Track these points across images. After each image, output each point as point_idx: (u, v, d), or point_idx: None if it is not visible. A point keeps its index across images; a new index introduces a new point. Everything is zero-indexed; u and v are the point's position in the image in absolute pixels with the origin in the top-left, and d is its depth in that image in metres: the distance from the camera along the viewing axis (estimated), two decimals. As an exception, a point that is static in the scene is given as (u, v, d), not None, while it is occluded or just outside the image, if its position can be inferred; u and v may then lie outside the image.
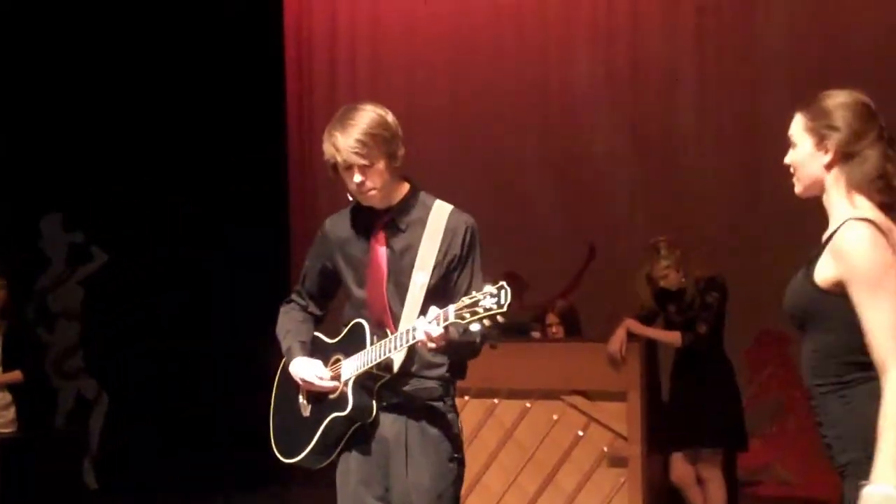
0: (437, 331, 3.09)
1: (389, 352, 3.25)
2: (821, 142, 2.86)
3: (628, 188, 8.30)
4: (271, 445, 3.55)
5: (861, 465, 2.68)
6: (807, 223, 8.75)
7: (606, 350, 5.48)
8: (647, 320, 5.67)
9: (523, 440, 5.61)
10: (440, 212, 3.38)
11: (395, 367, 3.31)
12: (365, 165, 3.27)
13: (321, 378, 3.37)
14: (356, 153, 3.25)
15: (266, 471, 6.06)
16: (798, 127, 2.93)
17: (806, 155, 2.89)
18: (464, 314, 3.00)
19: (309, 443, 3.39)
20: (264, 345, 3.82)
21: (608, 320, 5.77)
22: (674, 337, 5.58)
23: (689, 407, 5.62)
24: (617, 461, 5.48)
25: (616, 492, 5.48)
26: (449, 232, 3.34)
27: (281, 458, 3.51)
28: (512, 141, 8.53)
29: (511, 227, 8.17)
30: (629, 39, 8.36)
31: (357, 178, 3.29)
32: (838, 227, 2.80)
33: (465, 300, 3.02)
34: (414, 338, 3.17)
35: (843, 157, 2.83)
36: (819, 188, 2.89)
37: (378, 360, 3.27)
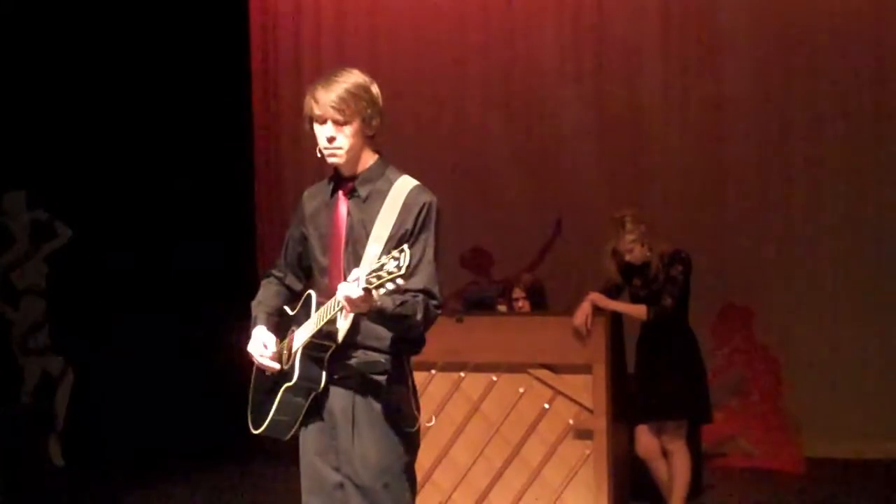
0: (356, 292, 3.08)
1: (323, 319, 3.27)
2: None
3: (594, 164, 8.34)
4: (245, 414, 3.59)
5: None
6: (769, 199, 8.87)
7: (572, 323, 5.51)
8: (613, 294, 5.70)
9: (489, 413, 5.65)
10: (403, 186, 3.38)
11: (340, 337, 3.33)
12: (339, 121, 3.29)
13: (262, 355, 3.41)
14: (333, 107, 3.27)
15: (231, 446, 6.10)
16: None
17: None
18: (371, 279, 3.02)
19: (269, 414, 3.42)
20: (229, 320, 3.82)
21: (574, 294, 5.81)
22: (640, 310, 5.61)
23: (654, 380, 5.67)
24: (582, 434, 5.52)
25: (581, 464, 5.53)
26: (406, 207, 3.34)
27: (251, 429, 3.53)
28: (478, 117, 8.54)
29: (477, 203, 8.20)
30: (595, 16, 8.38)
31: (329, 131, 3.31)
32: None
33: (374, 264, 3.04)
34: (337, 303, 3.20)
35: None
36: None
37: (319, 326, 3.29)
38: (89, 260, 7.50)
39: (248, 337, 3.53)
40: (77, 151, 7.59)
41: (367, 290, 3.07)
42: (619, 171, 8.19)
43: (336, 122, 3.30)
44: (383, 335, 3.35)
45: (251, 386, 3.62)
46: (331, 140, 3.32)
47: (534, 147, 8.46)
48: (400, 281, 3.02)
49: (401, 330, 3.35)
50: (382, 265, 3.02)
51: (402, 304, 3.24)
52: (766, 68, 8.01)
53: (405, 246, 3.05)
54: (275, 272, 3.65)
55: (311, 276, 3.59)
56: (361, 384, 3.37)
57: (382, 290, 3.04)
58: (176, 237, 7.70)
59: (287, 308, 3.55)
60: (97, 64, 7.67)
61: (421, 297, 3.29)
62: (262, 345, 3.43)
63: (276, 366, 3.40)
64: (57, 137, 7.54)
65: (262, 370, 3.53)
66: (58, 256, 7.50)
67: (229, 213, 8.02)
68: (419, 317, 3.29)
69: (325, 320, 3.27)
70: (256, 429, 3.50)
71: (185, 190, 7.80)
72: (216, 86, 8.00)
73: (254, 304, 3.60)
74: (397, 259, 3.00)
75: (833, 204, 7.83)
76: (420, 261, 3.30)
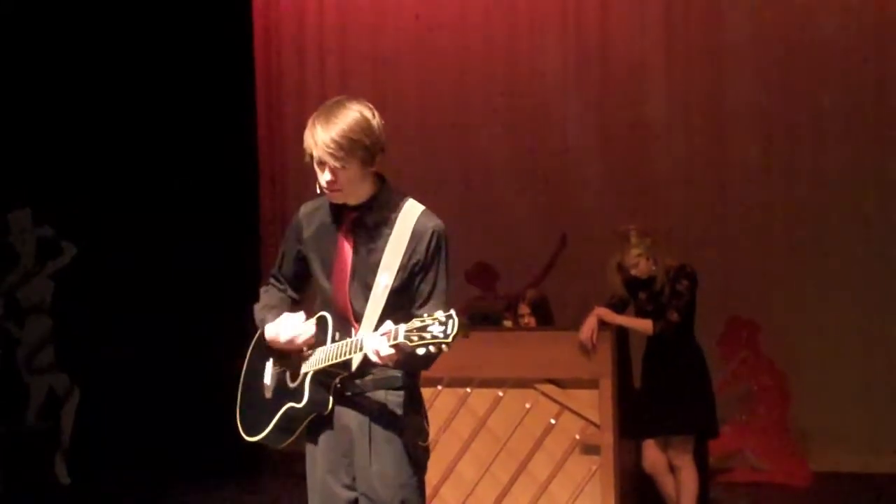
0: (386, 350, 3.10)
1: (345, 355, 3.25)
2: None
3: (598, 177, 8.34)
4: (236, 420, 3.56)
5: None
6: (774, 212, 8.84)
7: (578, 338, 5.50)
8: (618, 308, 5.70)
9: (496, 429, 5.64)
10: (409, 213, 3.35)
11: (353, 367, 3.32)
12: (336, 167, 3.26)
13: (298, 330, 3.35)
14: (330, 154, 3.23)
15: (238, 461, 6.08)
16: None
17: None
18: (412, 336, 3.01)
19: (267, 426, 3.41)
20: (238, 339, 3.81)
21: (580, 308, 5.80)
22: (645, 325, 5.61)
23: (661, 394, 5.66)
24: (589, 449, 5.51)
25: (588, 479, 5.51)
26: (416, 235, 3.32)
27: (243, 435, 3.52)
28: (482, 132, 8.55)
29: (482, 217, 8.20)
30: (598, 30, 8.40)
31: (327, 176, 3.28)
32: None
33: (416, 322, 3.02)
34: (364, 349, 3.19)
35: None
36: None
37: (335, 361, 3.28)
38: (93, 270, 7.49)
39: (247, 346, 3.52)
40: (82, 169, 7.59)
41: (396, 346, 3.08)
42: (624, 185, 8.19)
43: (332, 168, 3.26)
44: None
45: (241, 387, 3.59)
46: (330, 183, 3.30)
47: (538, 162, 8.46)
48: (445, 347, 3.01)
49: (416, 368, 3.37)
50: (426, 325, 3.00)
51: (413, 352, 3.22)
52: (770, 80, 8.02)
53: (452, 311, 3.01)
54: (275, 283, 3.62)
55: (308, 288, 3.56)
56: (378, 400, 3.36)
57: (422, 351, 3.03)
58: (182, 255, 7.67)
59: None
60: (106, 83, 7.66)
61: None
62: (293, 321, 3.38)
63: (312, 331, 3.34)
64: (63, 155, 7.55)
65: (251, 375, 3.52)
66: (63, 274, 7.51)
67: (233, 216, 7.97)
68: (434, 350, 3.29)
69: (344, 357, 3.26)
70: (251, 437, 3.48)
71: (188, 193, 7.75)
72: (220, 88, 7.95)
73: (258, 307, 3.55)
74: (444, 325, 2.98)
75: (839, 216, 7.82)
76: (433, 289, 3.30)
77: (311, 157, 3.32)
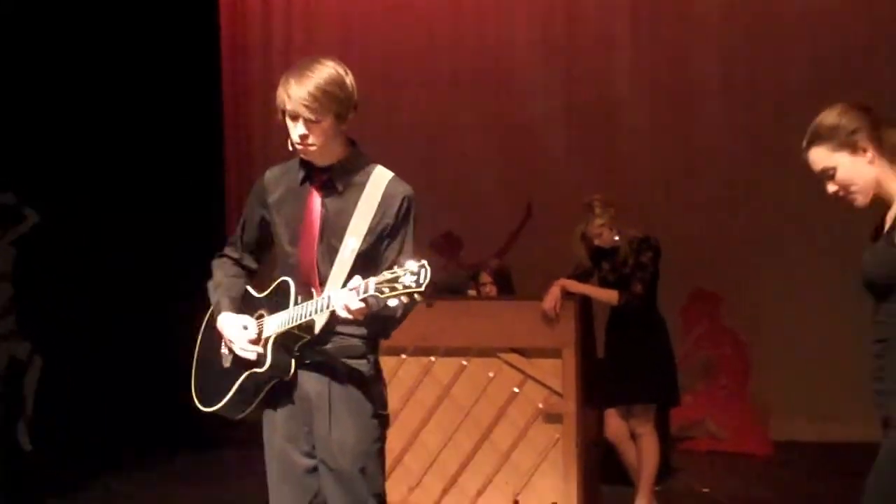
0: (355, 304, 3.09)
1: (310, 315, 3.24)
2: (854, 148, 3.06)
3: (564, 149, 8.37)
4: (192, 393, 3.55)
5: None
6: (738, 185, 8.88)
7: (542, 308, 5.52)
8: (582, 278, 5.73)
9: (460, 397, 5.66)
10: (380, 178, 3.35)
11: (317, 329, 3.31)
12: (311, 120, 3.25)
13: (245, 342, 3.35)
14: (305, 106, 3.22)
15: (197, 432, 6.07)
16: (824, 156, 3.12)
17: (850, 168, 3.08)
18: (383, 288, 2.99)
19: (227, 394, 3.39)
20: (198, 306, 3.80)
21: (545, 278, 5.82)
22: (610, 295, 5.64)
23: (623, 364, 5.70)
24: (552, 417, 5.54)
25: (551, 447, 5.55)
26: (385, 199, 3.32)
27: (199, 407, 3.50)
28: (449, 102, 8.54)
29: (448, 187, 8.21)
30: (565, 4, 8.40)
31: (301, 129, 3.26)
32: None
33: (387, 274, 3.00)
34: (331, 306, 3.17)
35: (876, 146, 3.05)
36: (875, 185, 3.08)
37: (299, 322, 3.27)
38: (57, 244, 7.44)
39: (201, 321, 3.51)
40: (44, 136, 7.51)
41: (365, 300, 3.06)
42: (590, 156, 8.22)
43: (307, 121, 3.25)
44: (359, 322, 3.32)
45: (196, 360, 3.57)
46: (303, 137, 3.28)
47: (504, 132, 8.47)
48: (417, 297, 2.99)
49: (382, 329, 3.37)
50: (397, 276, 2.98)
51: (386, 305, 3.20)
52: (736, 53, 8.06)
53: (424, 262, 2.99)
54: (229, 252, 3.59)
55: (266, 256, 3.55)
56: (338, 368, 3.36)
57: (394, 302, 3.02)
58: (145, 223, 7.64)
59: (251, 289, 3.52)
60: (69, 54, 7.56)
61: None
62: (241, 328, 3.37)
63: (257, 351, 3.34)
64: (24, 122, 7.46)
65: (207, 347, 3.51)
66: (25, 241, 7.44)
67: (199, 200, 7.96)
68: (400, 313, 3.29)
69: (308, 317, 3.25)
70: (208, 407, 3.46)
71: (153, 182, 7.73)
72: (186, 79, 7.93)
73: (212, 285, 3.53)
74: (416, 274, 2.96)
75: (801, 189, 7.84)
76: (400, 255, 3.29)
77: (283, 113, 3.30)
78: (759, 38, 8.02)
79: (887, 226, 3.05)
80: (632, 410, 5.75)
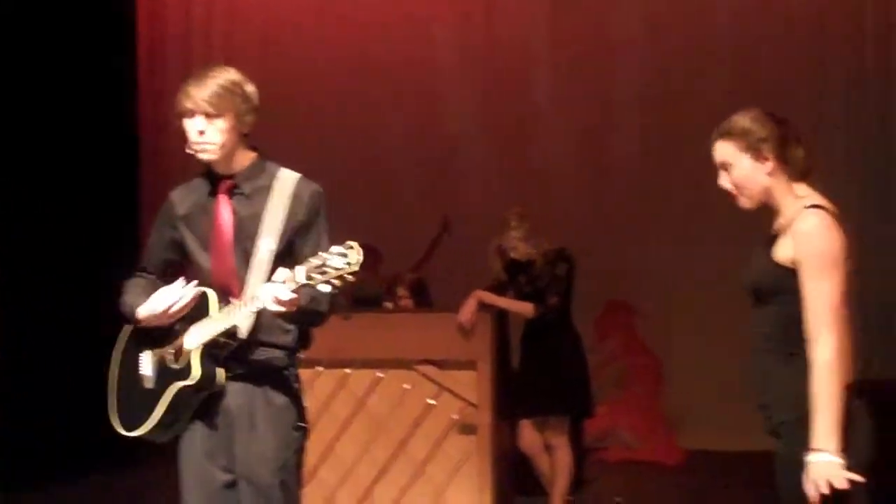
0: (287, 294, 3.05)
1: (235, 319, 3.21)
2: (758, 155, 3.14)
3: (482, 163, 8.43)
4: (110, 419, 3.47)
5: (792, 425, 3.02)
6: (654, 200, 8.99)
7: (457, 320, 5.55)
8: (498, 291, 5.77)
9: (375, 410, 5.66)
10: (286, 179, 3.37)
11: (243, 334, 3.29)
12: (210, 114, 3.24)
13: (180, 290, 3.27)
14: (205, 100, 3.23)
15: (107, 446, 5.96)
16: (729, 152, 3.21)
17: (748, 172, 3.18)
18: (313, 275, 2.96)
19: (154, 415, 3.32)
20: (110, 319, 3.73)
21: (461, 291, 5.86)
22: (525, 307, 5.68)
23: (538, 375, 5.75)
24: (467, 429, 5.57)
25: (466, 459, 5.58)
26: (295, 198, 3.33)
27: (121, 431, 3.43)
28: (367, 116, 8.55)
29: (367, 201, 8.20)
30: (485, 19, 8.47)
31: (199, 124, 3.25)
32: (798, 215, 3.08)
33: (313, 260, 2.97)
34: (260, 304, 3.13)
35: (780, 159, 3.13)
36: (766, 195, 3.17)
37: (225, 328, 3.24)
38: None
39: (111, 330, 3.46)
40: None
41: (295, 291, 3.04)
42: (507, 170, 8.29)
43: (207, 115, 3.24)
44: (286, 328, 3.33)
45: (114, 383, 3.49)
46: (200, 133, 3.26)
47: (424, 145, 8.51)
48: (350, 277, 2.95)
49: (311, 323, 3.35)
50: (325, 261, 2.94)
51: (312, 299, 3.20)
52: (654, 71, 8.18)
53: (354, 243, 2.96)
54: (142, 275, 3.54)
55: (176, 279, 3.47)
56: (260, 381, 3.34)
57: (326, 288, 2.97)
58: (58, 234, 7.50)
59: None
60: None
61: None
62: (166, 293, 3.28)
63: (195, 293, 3.26)
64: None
65: (125, 370, 3.43)
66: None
67: (113, 212, 7.85)
68: (324, 308, 3.29)
69: (234, 321, 3.22)
70: (131, 430, 3.38)
71: (67, 184, 7.59)
72: (102, 77, 7.82)
73: (125, 297, 3.43)
74: (345, 255, 2.93)
75: (716, 205, 7.98)
76: (315, 249, 3.24)
77: (183, 114, 3.28)
78: (677, 52, 8.16)
79: (775, 236, 3.15)
80: (546, 422, 5.80)
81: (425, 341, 5.64)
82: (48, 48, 7.62)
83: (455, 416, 5.58)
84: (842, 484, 2.90)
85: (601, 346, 7.83)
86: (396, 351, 5.63)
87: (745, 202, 3.23)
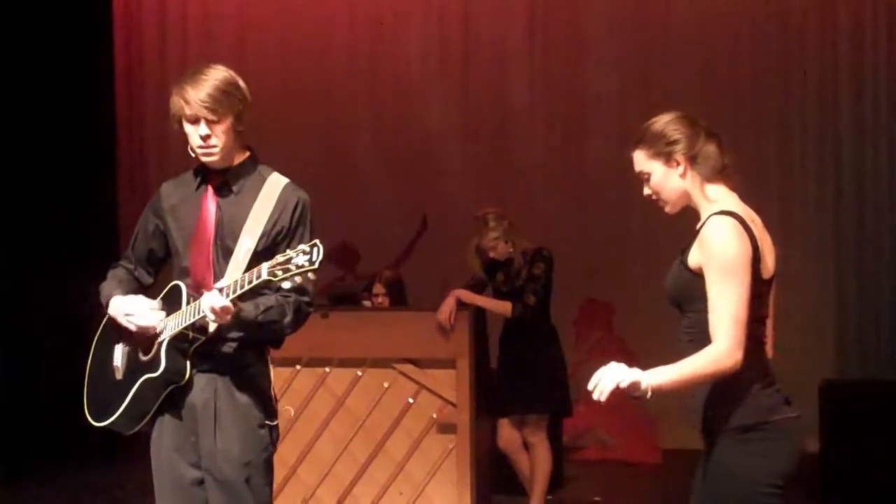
0: (220, 302, 3.09)
1: (199, 313, 3.23)
2: (668, 159, 3.13)
3: (460, 161, 8.43)
4: (83, 409, 3.50)
5: (728, 434, 3.06)
6: (632, 198, 8.99)
7: (436, 319, 5.57)
8: (477, 289, 5.78)
9: (354, 408, 5.66)
10: (275, 182, 3.39)
11: (211, 329, 3.30)
12: (212, 120, 3.27)
13: (145, 308, 3.31)
14: (206, 107, 3.25)
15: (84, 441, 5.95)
16: (642, 160, 3.19)
17: (661, 178, 3.16)
18: (276, 271, 3.00)
19: (120, 405, 3.35)
20: (87, 311, 3.74)
21: (440, 290, 5.87)
22: (504, 306, 5.70)
23: (517, 374, 5.77)
24: (446, 427, 5.58)
25: (445, 457, 5.59)
26: (280, 203, 3.35)
27: (92, 422, 3.46)
28: (345, 115, 8.54)
29: (345, 199, 8.19)
30: (461, 16, 8.48)
31: (203, 130, 3.28)
32: (706, 220, 3.07)
33: (278, 258, 3.02)
34: (201, 311, 3.17)
35: (691, 161, 3.11)
36: (686, 198, 3.16)
37: (191, 321, 3.25)
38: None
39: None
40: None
41: (233, 302, 3.07)
42: (485, 169, 8.30)
43: (209, 121, 3.27)
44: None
45: (88, 375, 3.53)
46: (206, 139, 3.29)
47: (401, 144, 8.50)
48: (311, 276, 2.99)
49: (262, 337, 3.35)
50: (290, 258, 2.99)
51: (266, 310, 3.24)
52: (629, 69, 8.21)
53: (317, 241, 3.02)
54: (124, 263, 3.57)
55: (160, 271, 3.55)
56: (226, 376, 3.35)
57: (288, 284, 3.02)
58: (36, 228, 7.48)
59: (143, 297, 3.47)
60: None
61: (293, 296, 3.30)
62: (135, 304, 3.34)
63: (155, 322, 3.30)
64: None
65: (99, 361, 3.47)
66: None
67: (90, 209, 7.82)
68: (287, 319, 3.30)
69: (198, 316, 3.24)
70: (100, 421, 3.42)
71: (46, 185, 7.56)
72: (79, 80, 7.78)
73: (103, 292, 3.47)
74: (308, 253, 2.97)
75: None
76: None
77: (181, 120, 3.31)
78: (651, 53, 8.19)
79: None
80: (525, 420, 5.82)
81: (404, 340, 5.65)
82: (25, 50, 7.60)
83: (434, 415, 5.59)
84: (625, 383, 2.95)
85: (580, 344, 7.85)
86: (375, 349, 5.64)
87: (667, 208, 3.21)
